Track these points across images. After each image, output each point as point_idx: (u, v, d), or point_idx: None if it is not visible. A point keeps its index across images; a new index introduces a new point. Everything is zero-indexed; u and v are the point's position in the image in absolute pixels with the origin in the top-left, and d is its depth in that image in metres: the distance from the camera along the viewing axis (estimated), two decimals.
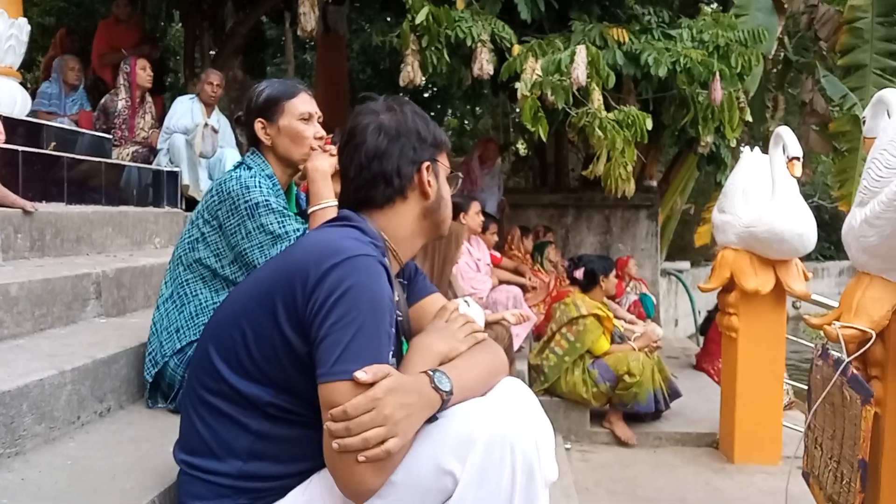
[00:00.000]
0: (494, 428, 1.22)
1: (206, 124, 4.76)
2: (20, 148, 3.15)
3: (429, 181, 1.43)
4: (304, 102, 2.08)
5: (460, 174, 1.58)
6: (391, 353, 1.25)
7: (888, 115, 2.33)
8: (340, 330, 1.18)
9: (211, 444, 1.29)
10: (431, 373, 1.25)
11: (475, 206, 4.68)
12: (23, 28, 3.99)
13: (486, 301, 4.48)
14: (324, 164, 2.01)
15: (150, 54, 6.22)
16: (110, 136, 4.67)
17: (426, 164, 1.43)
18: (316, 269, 1.21)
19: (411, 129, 1.42)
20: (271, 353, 1.25)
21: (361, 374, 1.15)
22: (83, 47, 6.79)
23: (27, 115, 3.96)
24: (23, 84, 4.27)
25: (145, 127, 5.24)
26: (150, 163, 4.70)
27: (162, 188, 4.30)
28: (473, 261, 4.66)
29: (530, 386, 4.28)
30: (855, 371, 2.15)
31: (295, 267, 1.25)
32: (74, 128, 4.79)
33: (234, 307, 1.33)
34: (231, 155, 4.73)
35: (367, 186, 1.41)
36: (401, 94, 1.55)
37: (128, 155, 4.84)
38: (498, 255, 5.56)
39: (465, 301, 3.62)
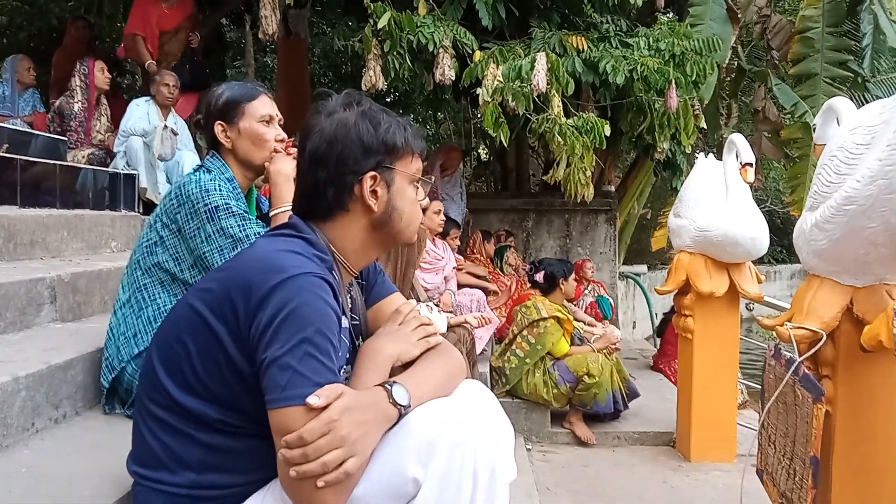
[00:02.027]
0: (457, 431, 1.21)
1: (164, 126, 4.68)
2: None
3: (374, 191, 1.34)
4: (265, 105, 2.07)
5: (430, 178, 1.52)
6: (342, 368, 1.23)
7: (837, 122, 2.40)
8: (287, 353, 1.13)
9: (162, 456, 1.26)
10: (389, 386, 1.22)
11: (433, 206, 4.66)
12: None
13: (449, 304, 4.48)
14: (286, 167, 2.00)
15: (189, 41, 5.79)
16: (65, 139, 4.57)
17: (370, 173, 1.33)
18: (258, 289, 1.17)
19: (352, 135, 1.32)
20: (215, 371, 1.22)
21: (314, 399, 1.11)
22: (93, 35, 6.56)
23: None
24: None
25: (101, 129, 5.15)
26: (107, 166, 4.61)
27: (119, 191, 4.21)
28: (432, 258, 4.66)
29: (492, 388, 4.31)
30: (806, 370, 2.22)
31: (237, 284, 1.20)
32: (28, 129, 4.68)
33: (178, 320, 1.29)
34: (189, 158, 4.66)
35: (307, 196, 1.36)
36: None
37: (83, 158, 4.73)
38: (461, 258, 5.58)
39: (428, 306, 3.63)
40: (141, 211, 4.32)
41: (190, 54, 5.82)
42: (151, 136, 4.57)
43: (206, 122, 2.07)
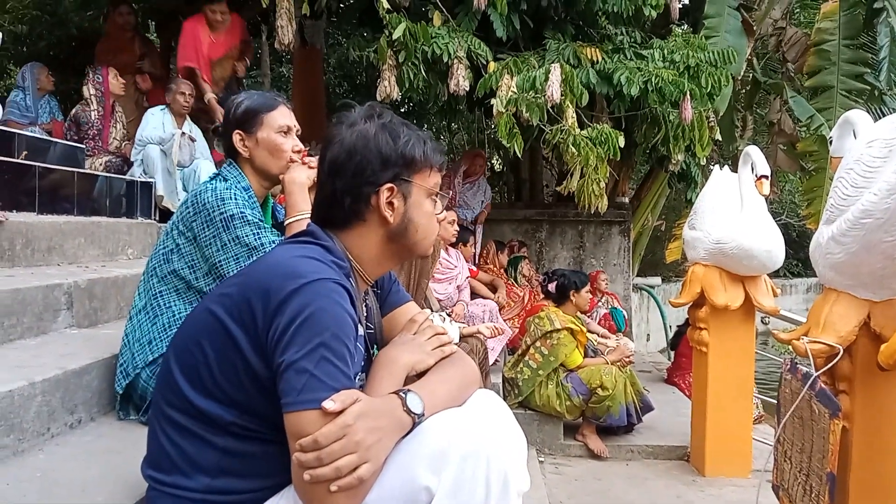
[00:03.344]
0: (470, 440, 1.20)
1: (182, 133, 4.73)
2: None
3: (390, 203, 1.35)
4: (284, 115, 2.08)
5: (446, 193, 1.54)
6: (357, 375, 1.23)
7: (854, 135, 2.39)
8: (304, 358, 1.15)
9: (177, 460, 1.27)
10: (403, 394, 1.22)
11: (448, 216, 4.68)
12: None
13: (462, 314, 4.48)
14: (301, 177, 2.01)
15: (234, 71, 5.68)
16: (83, 146, 4.62)
17: (387, 185, 1.34)
18: (276, 294, 1.18)
19: (371, 147, 1.33)
20: (233, 375, 1.23)
21: (330, 404, 1.12)
22: (137, 20, 6.61)
23: None
24: None
25: (117, 136, 5.20)
26: (124, 173, 4.66)
27: (135, 199, 4.25)
28: (444, 268, 4.66)
29: (504, 399, 4.28)
30: (823, 385, 2.19)
31: (255, 289, 1.21)
32: (46, 137, 4.73)
33: (197, 325, 1.30)
34: (206, 166, 4.70)
35: (325, 204, 1.38)
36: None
37: (101, 165, 4.79)
38: (474, 268, 5.58)
39: (441, 316, 3.63)
40: (157, 219, 4.36)
41: (236, 82, 5.81)
42: (169, 144, 4.61)
43: (224, 130, 2.09)
